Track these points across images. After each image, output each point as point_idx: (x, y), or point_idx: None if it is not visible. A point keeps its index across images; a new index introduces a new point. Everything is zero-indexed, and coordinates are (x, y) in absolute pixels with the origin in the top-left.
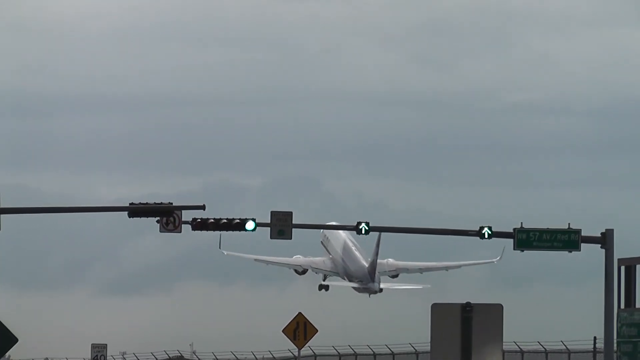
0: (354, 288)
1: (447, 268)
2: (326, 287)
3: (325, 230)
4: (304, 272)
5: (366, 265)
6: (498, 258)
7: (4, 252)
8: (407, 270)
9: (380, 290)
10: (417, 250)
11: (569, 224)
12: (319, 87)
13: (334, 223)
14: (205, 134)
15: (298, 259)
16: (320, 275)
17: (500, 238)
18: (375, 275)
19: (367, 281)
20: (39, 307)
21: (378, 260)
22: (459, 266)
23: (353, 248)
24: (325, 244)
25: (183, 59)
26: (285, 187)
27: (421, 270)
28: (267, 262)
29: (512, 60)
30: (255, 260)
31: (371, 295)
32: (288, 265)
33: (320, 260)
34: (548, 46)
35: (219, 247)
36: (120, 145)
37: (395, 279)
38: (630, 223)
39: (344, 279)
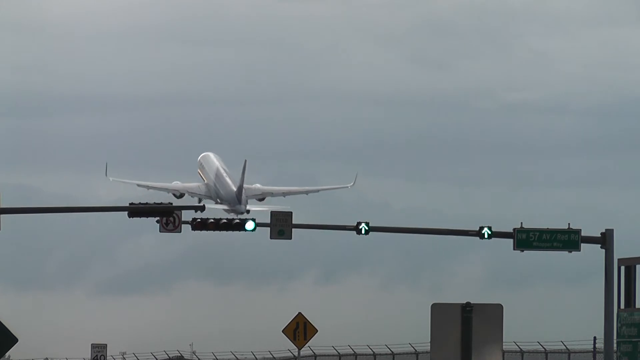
0: (224, 210)
1: (307, 192)
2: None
3: (200, 158)
4: (181, 196)
5: (235, 189)
6: (352, 184)
7: (4, 252)
8: (271, 193)
9: (248, 211)
10: (417, 250)
11: (569, 224)
12: (319, 87)
13: (210, 154)
14: (205, 133)
15: (177, 184)
16: (196, 199)
17: (500, 238)
18: (242, 198)
19: (234, 203)
20: (39, 307)
21: (246, 186)
22: (317, 190)
23: (224, 175)
24: (200, 171)
25: (183, 59)
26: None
27: (284, 194)
28: (149, 187)
29: (512, 60)
30: (138, 185)
31: (238, 215)
32: (167, 189)
33: (195, 185)
34: (547, 45)
35: (106, 175)
36: (120, 145)
37: (262, 202)
38: (630, 223)
39: (216, 202)
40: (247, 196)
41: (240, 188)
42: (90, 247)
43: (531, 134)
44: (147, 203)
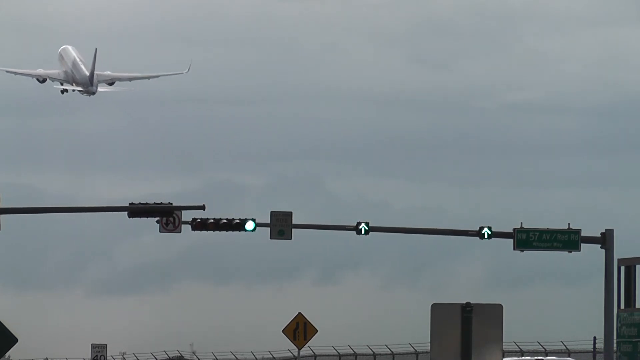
0: (79, 91)
1: (149, 77)
2: (65, 90)
3: (60, 50)
4: (44, 80)
5: (88, 74)
6: (186, 70)
7: (4, 252)
8: (119, 78)
9: (94, 92)
10: (417, 250)
11: (569, 224)
12: (318, 87)
13: (68, 46)
14: (206, 133)
15: (40, 71)
16: (57, 83)
17: (500, 238)
18: (94, 81)
19: (87, 85)
20: (38, 307)
21: (98, 72)
22: (157, 76)
23: (80, 63)
24: (60, 61)
25: (182, 58)
26: (286, 187)
27: (130, 79)
28: (15, 73)
29: (512, 60)
30: (7, 71)
31: (91, 96)
32: (31, 75)
33: (56, 72)
34: (547, 45)
35: None
36: (120, 145)
37: (111, 85)
38: (630, 223)
39: (73, 85)
40: (98, 80)
41: (92, 73)
42: (90, 247)
43: (531, 134)
44: (147, 203)
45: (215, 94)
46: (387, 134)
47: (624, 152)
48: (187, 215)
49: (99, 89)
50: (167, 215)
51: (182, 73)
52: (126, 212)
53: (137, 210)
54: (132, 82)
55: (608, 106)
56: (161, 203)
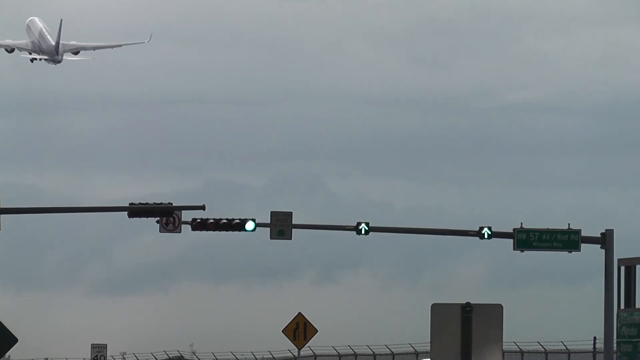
0: (45, 59)
1: (112, 47)
2: (34, 59)
3: (28, 22)
4: (12, 50)
5: (54, 44)
6: (148, 39)
7: (4, 252)
8: (84, 48)
9: (60, 61)
10: (417, 250)
11: (569, 224)
12: (319, 87)
13: (35, 18)
14: (206, 133)
15: (8, 41)
16: (26, 53)
17: (500, 238)
18: (60, 50)
19: (53, 54)
20: (38, 307)
21: (64, 42)
22: (120, 45)
23: (46, 33)
24: (27, 32)
25: (183, 58)
26: (286, 187)
27: (94, 48)
28: None
29: (512, 60)
30: None
31: (57, 64)
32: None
33: (23, 42)
34: (547, 45)
35: None
36: (120, 145)
37: (76, 54)
38: (630, 223)
39: (40, 54)
40: (64, 50)
41: (57, 43)
42: (90, 247)
43: (531, 134)
44: (147, 203)
45: (215, 94)
46: (387, 134)
47: (624, 152)
48: (187, 215)
49: (65, 58)
50: (167, 215)
51: (144, 42)
52: (126, 212)
53: (137, 210)
54: (97, 51)
55: (608, 106)
56: (161, 203)
